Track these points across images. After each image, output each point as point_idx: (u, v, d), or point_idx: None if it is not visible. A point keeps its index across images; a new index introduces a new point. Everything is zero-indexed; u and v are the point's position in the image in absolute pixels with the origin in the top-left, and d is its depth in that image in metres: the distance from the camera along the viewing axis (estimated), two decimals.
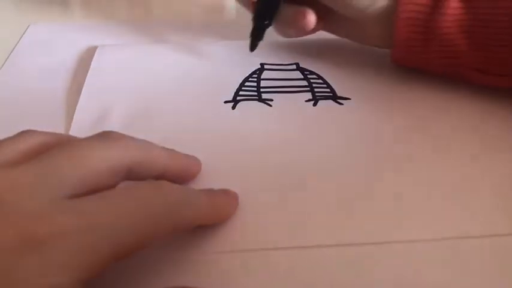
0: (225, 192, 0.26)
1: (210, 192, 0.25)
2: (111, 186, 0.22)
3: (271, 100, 0.34)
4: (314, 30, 0.37)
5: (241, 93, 0.35)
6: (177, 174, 0.26)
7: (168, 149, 0.26)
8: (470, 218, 0.25)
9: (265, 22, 0.35)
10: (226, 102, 0.34)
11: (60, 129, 0.32)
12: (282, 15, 0.35)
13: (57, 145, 0.22)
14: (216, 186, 0.26)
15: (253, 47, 0.36)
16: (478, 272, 0.23)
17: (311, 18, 0.35)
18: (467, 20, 0.32)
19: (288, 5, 0.35)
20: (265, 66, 0.38)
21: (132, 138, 0.24)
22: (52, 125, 0.32)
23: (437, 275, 0.23)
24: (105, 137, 0.23)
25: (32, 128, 0.30)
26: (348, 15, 0.35)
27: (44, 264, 0.18)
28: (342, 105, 0.34)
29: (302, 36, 0.37)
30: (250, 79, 0.37)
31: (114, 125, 0.32)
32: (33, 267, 0.17)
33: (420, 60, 0.34)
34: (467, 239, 0.24)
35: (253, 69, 0.37)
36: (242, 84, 0.36)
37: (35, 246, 0.18)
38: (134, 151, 0.23)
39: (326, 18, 0.37)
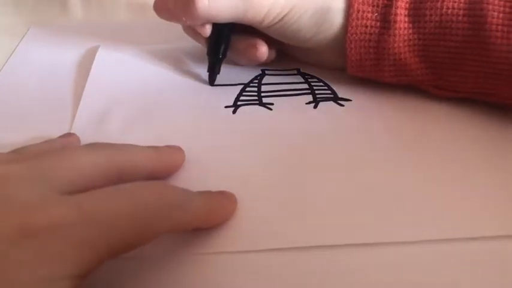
0: (223, 195, 0.26)
1: (207, 194, 0.25)
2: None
3: (272, 104, 0.34)
4: (268, 60, 0.37)
5: (241, 98, 0.35)
6: (164, 171, 0.28)
7: (152, 147, 0.27)
8: (474, 219, 0.25)
9: (220, 56, 0.36)
10: (226, 107, 0.34)
11: (61, 130, 0.32)
12: (235, 47, 0.36)
13: (50, 150, 0.24)
14: (216, 188, 0.26)
15: (212, 81, 0.36)
16: (482, 275, 0.23)
17: (263, 49, 0.35)
18: (417, 40, 0.32)
19: (239, 38, 0.36)
20: (266, 72, 0.38)
21: (119, 145, 0.25)
22: (53, 126, 0.32)
23: (438, 277, 0.23)
24: (94, 145, 0.25)
25: (32, 128, 0.30)
26: (297, 45, 0.36)
27: (39, 255, 0.18)
28: (342, 107, 0.34)
29: (256, 64, 0.38)
30: (251, 84, 0.37)
31: (114, 125, 0.32)
32: (28, 258, 0.18)
33: (376, 77, 0.34)
34: (471, 241, 0.24)
35: (254, 74, 0.37)
36: (243, 90, 0.36)
37: (31, 237, 0.18)
38: (122, 156, 0.25)
39: (280, 47, 0.37)
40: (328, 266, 0.23)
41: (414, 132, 0.32)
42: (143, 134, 0.31)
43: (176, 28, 0.44)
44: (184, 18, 0.33)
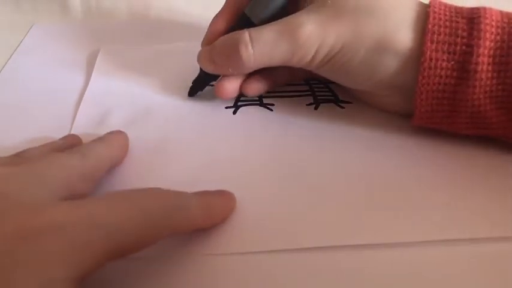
0: (221, 194, 0.26)
1: (205, 194, 0.25)
2: (88, 192, 0.25)
3: (273, 105, 0.34)
4: (252, 93, 0.34)
5: (242, 98, 0.35)
6: (119, 155, 0.29)
7: (98, 139, 0.28)
8: (474, 220, 0.26)
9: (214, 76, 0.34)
10: (227, 107, 0.34)
11: (62, 130, 0.32)
12: None
13: (40, 155, 0.25)
14: (216, 188, 0.26)
15: (192, 94, 0.35)
16: (482, 276, 0.23)
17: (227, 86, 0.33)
18: (501, 91, 0.28)
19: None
20: None
21: (82, 148, 0.27)
22: (54, 125, 0.33)
23: (438, 277, 0.23)
24: (75, 151, 0.26)
25: (33, 128, 0.31)
26: (352, 87, 0.33)
27: (39, 258, 0.18)
28: (343, 109, 0.34)
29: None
30: None
31: (114, 126, 0.32)
32: (29, 260, 0.17)
33: (448, 129, 0.31)
34: (471, 242, 0.25)
35: None
36: None
37: (31, 239, 0.18)
38: (93, 157, 0.26)
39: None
40: (329, 267, 0.23)
41: (415, 134, 0.31)
42: (143, 135, 0.31)
43: (176, 28, 0.45)
44: (230, 70, 0.32)
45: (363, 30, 0.28)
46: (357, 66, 0.29)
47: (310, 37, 0.29)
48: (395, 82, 0.30)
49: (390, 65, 0.29)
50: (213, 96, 0.34)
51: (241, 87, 0.33)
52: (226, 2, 0.34)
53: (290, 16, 0.30)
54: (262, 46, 0.29)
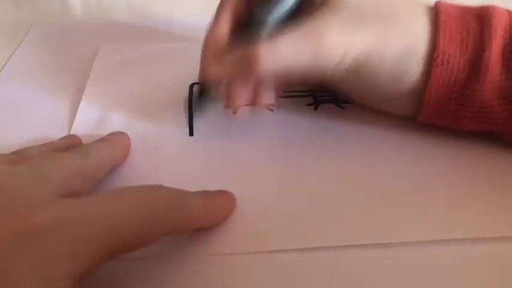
0: (221, 194, 0.26)
1: (205, 194, 0.25)
2: (88, 191, 0.25)
3: (273, 105, 0.34)
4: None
5: None
6: (121, 156, 0.29)
7: (100, 140, 0.29)
8: (475, 220, 0.26)
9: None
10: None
11: (62, 130, 0.32)
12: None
13: (40, 155, 0.26)
14: (216, 188, 0.26)
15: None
16: (483, 275, 0.23)
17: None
18: (510, 87, 0.27)
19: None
20: None
21: (83, 148, 0.28)
22: (54, 125, 0.33)
23: (439, 278, 0.23)
24: (77, 150, 0.27)
25: (33, 128, 0.32)
26: (374, 97, 0.32)
27: (39, 254, 0.18)
28: (343, 109, 0.34)
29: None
30: None
31: (114, 126, 0.32)
32: (30, 257, 0.18)
33: (453, 125, 0.30)
34: (472, 242, 0.25)
35: None
36: None
37: (32, 235, 0.18)
38: (94, 157, 0.27)
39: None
40: (330, 267, 0.23)
41: (416, 134, 0.31)
42: (143, 134, 0.31)
43: (176, 28, 0.45)
44: (246, 85, 0.29)
45: (390, 36, 0.27)
46: (382, 75, 0.28)
47: (337, 45, 0.26)
48: (416, 88, 0.29)
49: (414, 71, 0.28)
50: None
51: (254, 101, 0.31)
52: (221, 3, 0.30)
53: (307, 21, 0.27)
54: (282, 57, 0.27)
